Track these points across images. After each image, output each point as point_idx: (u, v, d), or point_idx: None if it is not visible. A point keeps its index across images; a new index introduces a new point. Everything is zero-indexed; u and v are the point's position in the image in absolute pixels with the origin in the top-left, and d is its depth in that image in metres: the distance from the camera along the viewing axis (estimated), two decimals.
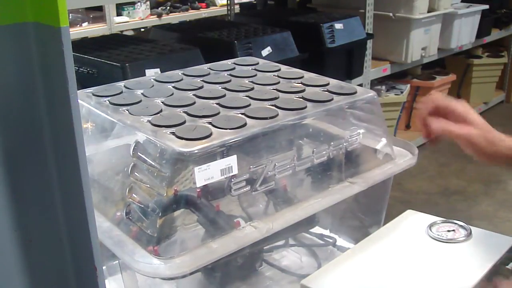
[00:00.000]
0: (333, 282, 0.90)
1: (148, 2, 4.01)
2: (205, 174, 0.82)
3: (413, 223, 1.05)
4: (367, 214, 1.19)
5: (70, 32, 0.54)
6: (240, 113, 0.94)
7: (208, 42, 2.24)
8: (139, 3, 3.90)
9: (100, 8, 3.77)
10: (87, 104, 1.00)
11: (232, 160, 0.85)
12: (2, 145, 0.58)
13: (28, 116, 0.59)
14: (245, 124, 0.90)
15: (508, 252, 0.96)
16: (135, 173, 0.87)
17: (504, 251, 0.96)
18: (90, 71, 1.83)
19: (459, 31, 3.66)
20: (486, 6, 3.81)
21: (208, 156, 0.83)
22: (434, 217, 1.06)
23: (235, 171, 0.85)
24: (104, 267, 0.74)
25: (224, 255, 0.81)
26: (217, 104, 0.98)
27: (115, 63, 1.77)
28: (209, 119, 0.91)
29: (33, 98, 0.58)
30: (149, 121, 0.90)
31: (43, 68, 0.57)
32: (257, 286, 1.04)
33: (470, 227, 1.02)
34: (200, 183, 0.81)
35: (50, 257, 0.64)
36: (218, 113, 0.94)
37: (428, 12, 3.30)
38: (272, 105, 0.98)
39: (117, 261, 0.96)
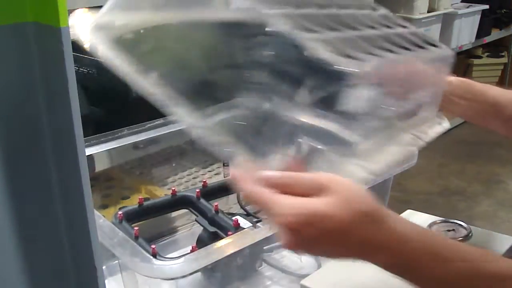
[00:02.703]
0: (333, 282, 0.90)
1: None
2: None
3: None
4: None
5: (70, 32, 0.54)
6: None
7: None
8: None
9: (100, 8, 3.78)
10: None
11: None
12: (2, 145, 0.58)
13: (28, 116, 0.59)
14: None
15: (508, 251, 0.96)
16: None
17: (504, 250, 0.96)
18: (90, 71, 1.83)
19: (459, 31, 3.66)
20: (486, 6, 3.81)
21: None
22: (434, 217, 1.06)
23: None
24: (104, 267, 0.74)
25: (224, 255, 0.81)
26: None
27: None
28: None
29: (33, 98, 0.58)
30: None
31: (43, 68, 0.57)
32: (257, 286, 1.03)
33: (470, 226, 1.02)
34: None
35: (50, 257, 0.64)
36: None
37: (428, 12, 3.30)
38: None
39: (117, 261, 0.96)
